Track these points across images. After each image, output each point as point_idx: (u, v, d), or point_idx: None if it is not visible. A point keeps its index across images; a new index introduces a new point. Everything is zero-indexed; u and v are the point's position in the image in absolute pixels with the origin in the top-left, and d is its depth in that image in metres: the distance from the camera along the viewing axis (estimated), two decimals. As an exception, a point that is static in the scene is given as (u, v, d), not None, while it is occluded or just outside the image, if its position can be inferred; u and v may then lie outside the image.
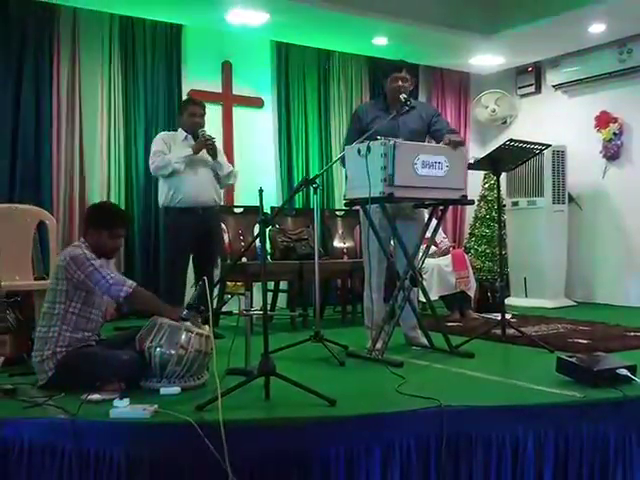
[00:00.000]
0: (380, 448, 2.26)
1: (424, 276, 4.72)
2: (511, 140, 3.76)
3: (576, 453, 2.42)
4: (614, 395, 2.54)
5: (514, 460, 2.38)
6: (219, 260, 5.09)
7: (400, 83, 3.75)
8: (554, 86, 6.70)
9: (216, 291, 4.86)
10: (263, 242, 2.90)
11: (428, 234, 3.87)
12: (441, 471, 2.31)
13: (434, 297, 4.82)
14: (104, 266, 2.86)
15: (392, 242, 3.96)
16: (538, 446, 2.38)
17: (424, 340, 3.78)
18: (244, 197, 5.63)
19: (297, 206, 6.06)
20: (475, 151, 6.69)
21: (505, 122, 7.17)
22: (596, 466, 2.44)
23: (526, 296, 6.09)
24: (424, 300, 4.20)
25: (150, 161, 4.36)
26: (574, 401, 2.50)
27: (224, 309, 4.79)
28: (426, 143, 3.75)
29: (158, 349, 2.72)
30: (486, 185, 6.58)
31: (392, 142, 3.29)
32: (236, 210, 5.34)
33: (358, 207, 3.68)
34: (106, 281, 2.78)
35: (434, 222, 3.91)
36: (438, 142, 3.70)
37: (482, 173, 6.49)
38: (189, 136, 4.41)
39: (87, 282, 2.79)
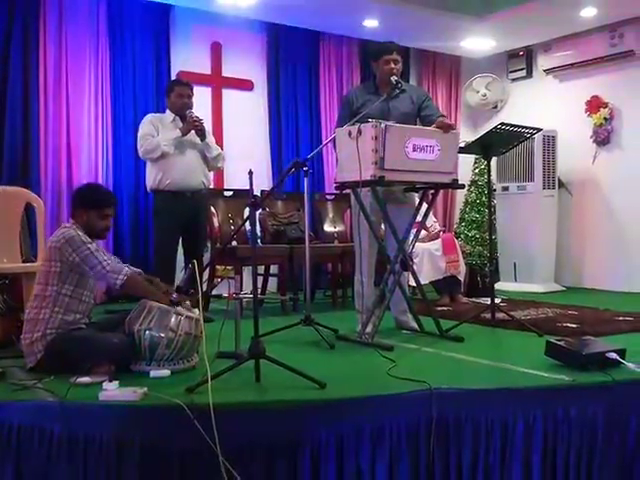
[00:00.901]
0: (370, 431, 2.27)
1: (414, 260, 4.72)
2: (502, 124, 3.74)
3: (564, 436, 2.44)
4: (603, 379, 2.56)
5: (503, 442, 2.40)
6: (209, 243, 5.06)
7: (392, 65, 3.70)
8: (545, 70, 6.67)
9: (206, 274, 4.84)
10: (253, 225, 2.89)
11: (419, 218, 3.87)
12: (431, 454, 2.32)
13: (424, 281, 4.82)
14: (99, 250, 2.84)
15: (383, 226, 3.95)
16: (527, 429, 2.40)
17: (414, 324, 3.79)
18: (234, 180, 5.58)
19: (287, 189, 6.03)
20: (466, 136, 6.66)
21: (496, 107, 7.16)
22: (584, 449, 2.46)
23: (515, 281, 6.12)
24: (414, 284, 4.21)
25: (138, 145, 4.32)
26: (563, 384, 2.52)
27: (214, 292, 4.79)
28: (418, 126, 3.73)
29: (147, 332, 2.72)
30: (476, 170, 6.57)
31: (383, 125, 3.26)
32: (226, 193, 5.30)
33: (349, 190, 3.66)
34: (102, 267, 2.76)
35: (425, 206, 3.91)
36: (427, 126, 3.67)
37: (472, 157, 6.48)
38: (177, 118, 4.37)
39: (82, 265, 2.77)
